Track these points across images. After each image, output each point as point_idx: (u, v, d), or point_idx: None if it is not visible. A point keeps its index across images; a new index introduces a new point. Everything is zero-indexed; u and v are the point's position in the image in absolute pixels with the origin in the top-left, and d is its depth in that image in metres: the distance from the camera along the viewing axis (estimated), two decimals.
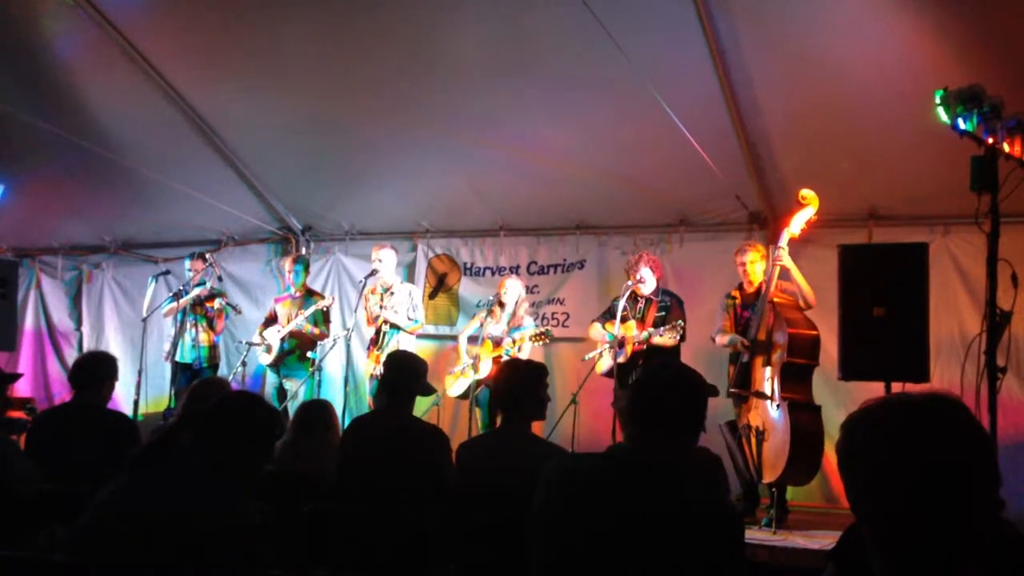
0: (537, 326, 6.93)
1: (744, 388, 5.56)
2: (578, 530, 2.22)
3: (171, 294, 7.35)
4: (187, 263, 7.57)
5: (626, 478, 2.24)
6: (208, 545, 2.22)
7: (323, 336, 7.27)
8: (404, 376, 4.23)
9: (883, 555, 1.36)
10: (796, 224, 5.56)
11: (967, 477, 1.32)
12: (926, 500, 1.31)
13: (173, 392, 7.08)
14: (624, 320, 6.12)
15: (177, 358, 7.27)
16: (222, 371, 7.87)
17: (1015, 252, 3.76)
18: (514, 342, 6.63)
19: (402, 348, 6.66)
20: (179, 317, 7.30)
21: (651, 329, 6.03)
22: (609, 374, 6.21)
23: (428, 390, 4.42)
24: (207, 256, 7.61)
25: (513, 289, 6.85)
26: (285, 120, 6.96)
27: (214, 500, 2.31)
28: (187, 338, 7.32)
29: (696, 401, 2.38)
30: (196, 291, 7.33)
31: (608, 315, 6.35)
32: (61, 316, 9.15)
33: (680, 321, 5.95)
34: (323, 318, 7.30)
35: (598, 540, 2.17)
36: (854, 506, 1.41)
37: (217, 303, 7.39)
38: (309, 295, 7.38)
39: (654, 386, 2.37)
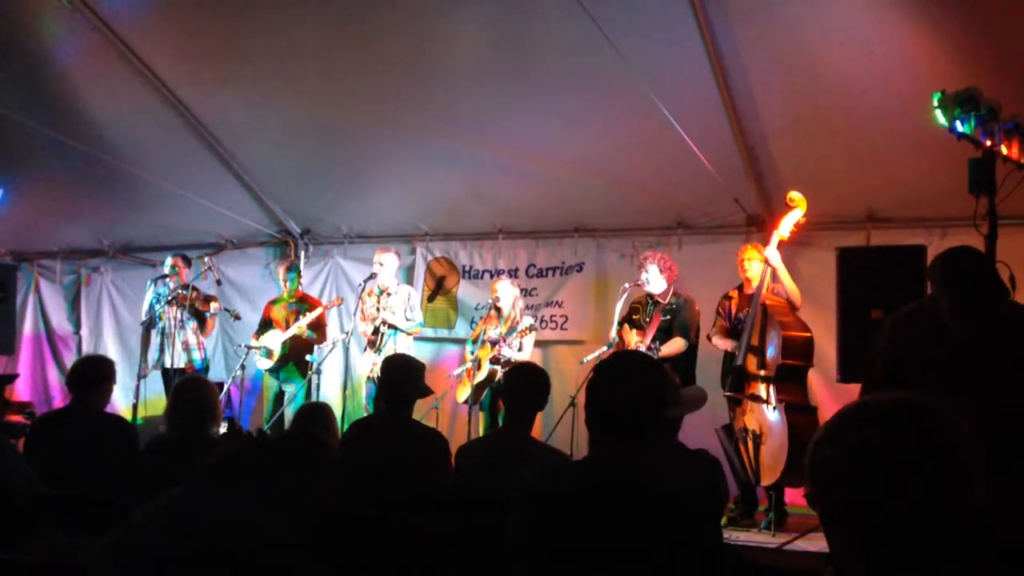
0: (532, 324, 6.90)
1: (738, 391, 5.55)
2: (568, 542, 2.20)
3: (167, 301, 7.21)
4: (168, 260, 7.41)
5: (600, 483, 2.25)
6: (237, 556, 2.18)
7: (320, 340, 7.30)
8: (402, 379, 4.23)
9: (863, 565, 1.36)
10: (785, 226, 5.59)
11: (940, 477, 1.32)
12: (903, 502, 1.31)
13: None
14: (636, 324, 6.11)
15: (168, 365, 7.14)
16: (220, 375, 7.85)
17: (1013, 254, 3.76)
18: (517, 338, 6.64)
19: (400, 351, 6.65)
20: (160, 328, 7.24)
21: (644, 345, 5.93)
22: None
23: (426, 393, 4.42)
24: (206, 259, 7.58)
25: (506, 291, 6.83)
26: (283, 123, 6.95)
27: (250, 514, 2.27)
28: (177, 342, 7.15)
29: (636, 397, 2.31)
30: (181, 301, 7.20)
31: (625, 320, 6.31)
32: (60, 320, 9.12)
33: (656, 344, 5.90)
34: (315, 326, 7.28)
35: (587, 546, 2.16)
36: (827, 519, 1.40)
37: (213, 307, 7.33)
38: (302, 300, 7.42)
39: (595, 389, 2.36)
